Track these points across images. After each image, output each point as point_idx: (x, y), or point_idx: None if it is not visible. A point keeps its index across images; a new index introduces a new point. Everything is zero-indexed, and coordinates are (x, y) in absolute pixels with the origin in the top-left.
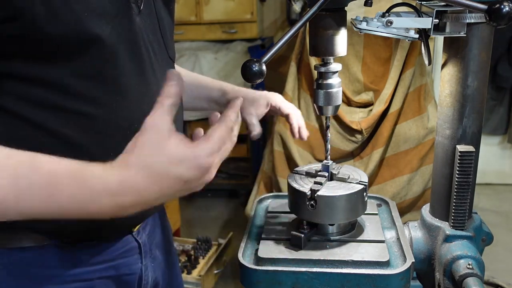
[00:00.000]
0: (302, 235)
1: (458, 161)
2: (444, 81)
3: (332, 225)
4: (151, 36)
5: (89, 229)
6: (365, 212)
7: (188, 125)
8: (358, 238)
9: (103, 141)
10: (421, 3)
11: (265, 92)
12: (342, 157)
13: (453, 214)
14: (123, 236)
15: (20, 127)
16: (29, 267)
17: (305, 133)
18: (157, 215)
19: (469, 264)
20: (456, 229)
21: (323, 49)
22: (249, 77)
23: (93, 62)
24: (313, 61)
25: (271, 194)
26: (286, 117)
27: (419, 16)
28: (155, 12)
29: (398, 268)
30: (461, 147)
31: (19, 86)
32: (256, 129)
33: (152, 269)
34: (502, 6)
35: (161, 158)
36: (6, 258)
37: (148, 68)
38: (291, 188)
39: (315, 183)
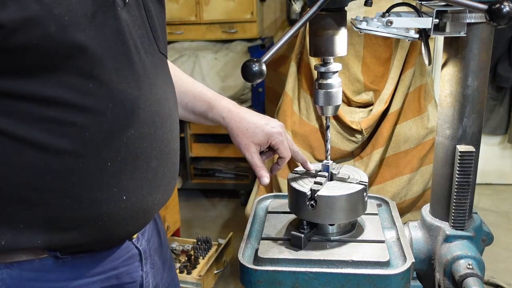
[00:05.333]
0: (302, 235)
1: (458, 161)
2: (444, 81)
3: (332, 225)
4: (139, 31)
5: (88, 241)
6: (365, 212)
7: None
8: (358, 238)
9: (99, 151)
10: (421, 3)
11: (267, 125)
12: (342, 157)
13: (453, 214)
14: (123, 244)
15: (8, 145)
16: (29, 281)
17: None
18: (154, 219)
19: (469, 264)
20: (456, 229)
21: (323, 49)
22: (249, 77)
23: (79, 70)
24: (313, 61)
25: (271, 194)
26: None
27: (419, 16)
28: (142, 2)
29: (398, 268)
30: (461, 147)
31: (2, 101)
32: (263, 173)
33: (152, 275)
34: (502, 6)
35: None
36: (5, 273)
37: (139, 68)
38: (291, 188)
39: (315, 183)
